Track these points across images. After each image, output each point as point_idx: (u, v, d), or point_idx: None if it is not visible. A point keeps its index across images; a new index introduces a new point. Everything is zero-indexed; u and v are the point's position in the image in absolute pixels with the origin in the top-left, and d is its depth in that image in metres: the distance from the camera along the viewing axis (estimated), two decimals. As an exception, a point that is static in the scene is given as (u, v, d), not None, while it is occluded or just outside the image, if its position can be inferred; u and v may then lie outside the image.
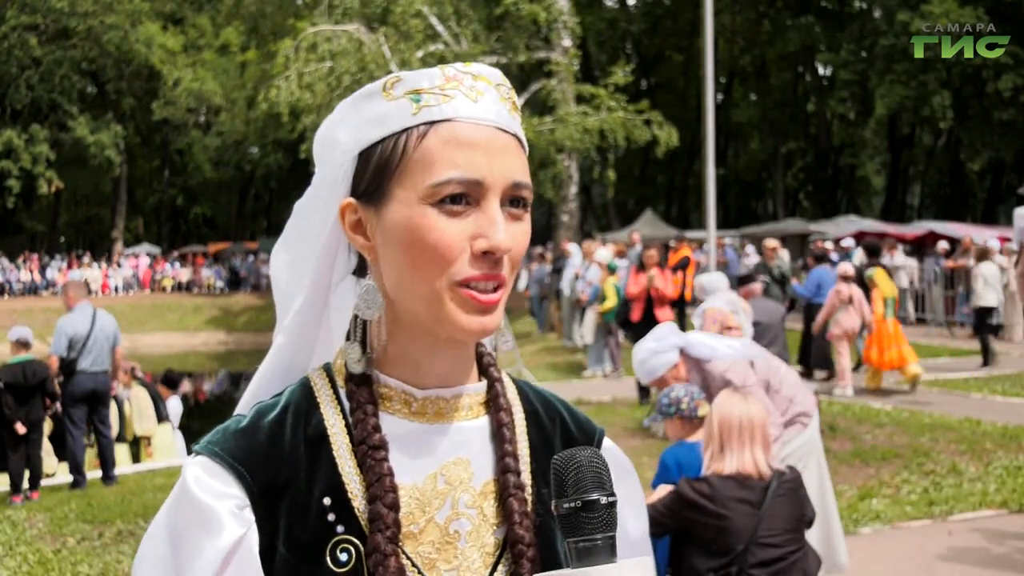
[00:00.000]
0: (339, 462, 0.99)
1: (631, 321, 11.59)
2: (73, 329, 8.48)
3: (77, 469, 8.67)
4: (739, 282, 9.35)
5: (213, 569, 0.92)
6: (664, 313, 11.30)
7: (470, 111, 0.97)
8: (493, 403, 1.06)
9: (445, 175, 0.94)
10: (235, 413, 1.06)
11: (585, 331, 13.85)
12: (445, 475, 1.01)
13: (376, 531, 0.95)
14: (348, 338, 1.04)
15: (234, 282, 37.21)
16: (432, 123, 0.96)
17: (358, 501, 0.97)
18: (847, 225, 24.94)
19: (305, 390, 1.04)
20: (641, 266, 11.65)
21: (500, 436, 1.04)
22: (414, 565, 0.97)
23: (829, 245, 21.02)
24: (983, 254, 13.83)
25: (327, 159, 1.04)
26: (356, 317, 1.03)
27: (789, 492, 3.28)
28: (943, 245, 18.94)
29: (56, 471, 9.47)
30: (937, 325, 17.76)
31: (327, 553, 0.96)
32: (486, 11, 20.18)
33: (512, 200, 0.98)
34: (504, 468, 1.02)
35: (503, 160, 0.97)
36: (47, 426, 9.46)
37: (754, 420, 3.29)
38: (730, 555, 3.16)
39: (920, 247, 21.52)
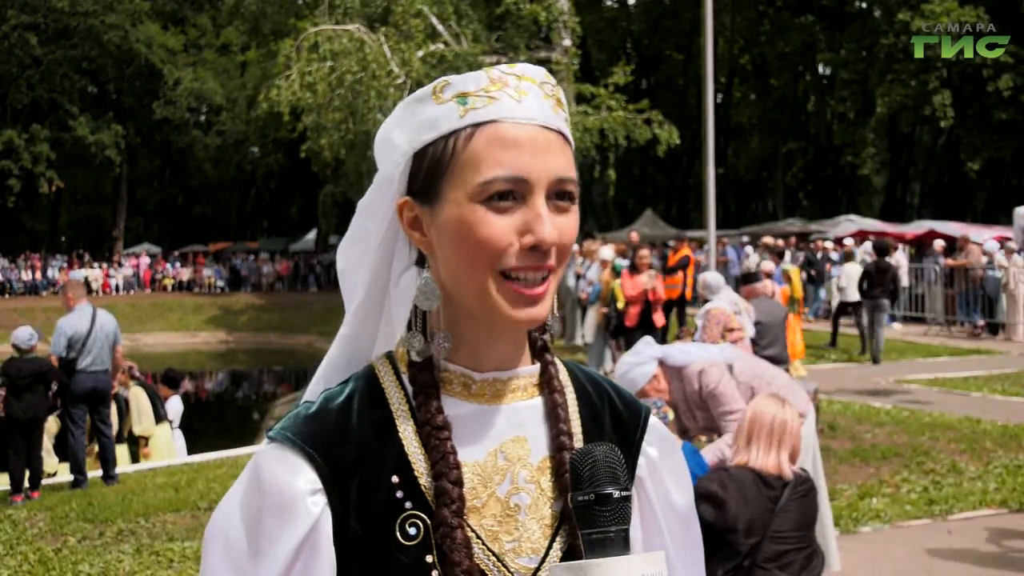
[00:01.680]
0: (405, 442, 1.05)
1: (625, 327, 11.44)
2: (73, 329, 8.49)
3: (78, 468, 8.68)
4: (743, 280, 9.34)
5: (289, 554, 0.99)
6: (659, 318, 11.19)
7: (514, 111, 1.02)
8: (547, 384, 1.12)
9: (491, 174, 1.00)
10: (303, 401, 1.11)
11: (586, 330, 13.86)
12: (505, 452, 1.07)
13: (442, 506, 1.01)
14: (409, 328, 1.10)
15: (235, 281, 37.26)
16: (478, 125, 1.01)
17: (424, 479, 1.03)
18: (847, 224, 24.92)
19: (370, 376, 1.11)
20: (633, 268, 11.48)
21: (555, 415, 1.10)
22: (478, 537, 1.04)
23: (830, 244, 21.06)
24: (848, 256, 15.77)
25: (386, 159, 1.10)
26: (416, 308, 1.09)
27: (804, 494, 3.38)
28: (942, 244, 18.93)
29: (57, 470, 9.48)
30: (937, 324, 17.76)
31: (396, 528, 1.02)
32: (487, 11, 20.16)
33: (559, 194, 1.03)
34: (559, 445, 1.08)
35: (547, 157, 1.02)
36: (55, 427, 9.47)
37: (787, 425, 3.41)
38: (743, 546, 3.23)
39: (920, 246, 21.50)
